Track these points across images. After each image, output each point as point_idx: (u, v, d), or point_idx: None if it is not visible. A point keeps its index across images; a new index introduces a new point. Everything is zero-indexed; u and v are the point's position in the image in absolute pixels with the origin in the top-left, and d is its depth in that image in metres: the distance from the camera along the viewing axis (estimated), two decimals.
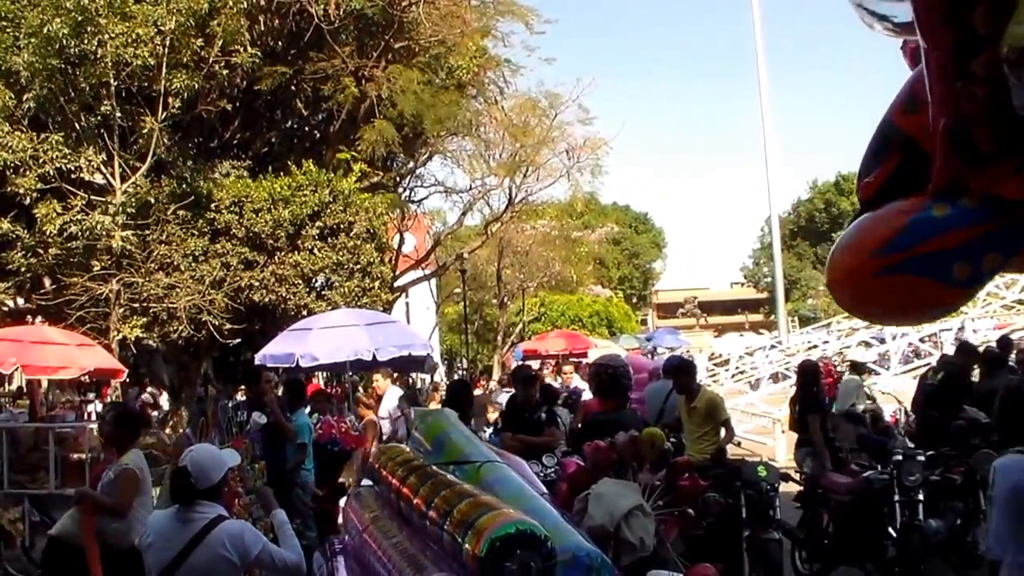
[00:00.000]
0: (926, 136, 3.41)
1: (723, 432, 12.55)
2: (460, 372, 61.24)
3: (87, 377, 24.22)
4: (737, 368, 42.29)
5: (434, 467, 6.09)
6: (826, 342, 41.83)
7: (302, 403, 14.84)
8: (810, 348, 41.46)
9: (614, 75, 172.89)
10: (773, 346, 44.78)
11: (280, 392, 16.85)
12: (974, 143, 3.22)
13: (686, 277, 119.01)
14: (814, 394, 14.94)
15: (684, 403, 12.80)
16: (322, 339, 19.53)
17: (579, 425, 12.66)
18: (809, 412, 14.53)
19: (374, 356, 18.94)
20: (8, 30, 24.53)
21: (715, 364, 45.17)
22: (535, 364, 33.89)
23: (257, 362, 19.52)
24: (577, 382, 23.43)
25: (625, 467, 6.57)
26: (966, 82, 3.12)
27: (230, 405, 15.90)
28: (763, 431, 26.93)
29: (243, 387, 21.12)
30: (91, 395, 32.88)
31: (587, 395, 16.39)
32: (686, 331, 76.88)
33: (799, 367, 17.19)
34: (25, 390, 28.66)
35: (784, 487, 11.87)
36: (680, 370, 13.29)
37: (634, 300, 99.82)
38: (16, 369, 20.45)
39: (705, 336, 75.51)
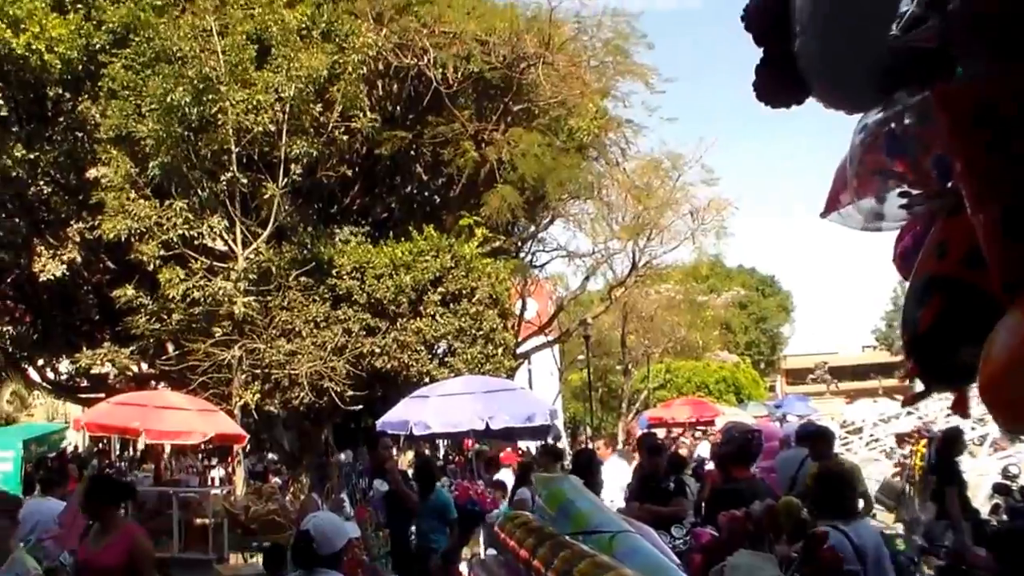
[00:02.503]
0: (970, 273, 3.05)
1: (860, 504, 11.96)
2: (584, 441, 60.80)
3: (210, 442, 24.22)
4: (871, 436, 41.17)
5: (566, 537, 5.71)
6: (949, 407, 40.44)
7: (432, 485, 14.40)
8: (949, 415, 40.14)
9: (737, 133, 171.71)
10: (910, 413, 43.56)
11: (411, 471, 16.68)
12: None
13: (815, 341, 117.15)
14: (953, 465, 14.25)
15: None
16: (438, 407, 19.34)
17: (707, 495, 12.19)
18: (947, 484, 13.84)
19: (487, 425, 18.61)
20: (131, 99, 24.90)
21: (848, 432, 44.08)
22: (661, 432, 33.28)
23: (378, 429, 19.33)
24: (703, 450, 22.91)
25: (761, 538, 6.14)
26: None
27: (353, 472, 15.76)
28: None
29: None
30: (214, 460, 33.04)
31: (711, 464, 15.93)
32: (816, 397, 75.30)
33: (939, 435, 16.45)
34: (149, 454, 28.78)
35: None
36: (817, 438, 12.73)
37: (762, 366, 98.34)
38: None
39: (836, 403, 73.87)
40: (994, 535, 11.87)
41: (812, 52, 3.16)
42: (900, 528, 18.85)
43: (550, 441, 30.29)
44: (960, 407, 3.38)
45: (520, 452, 28.78)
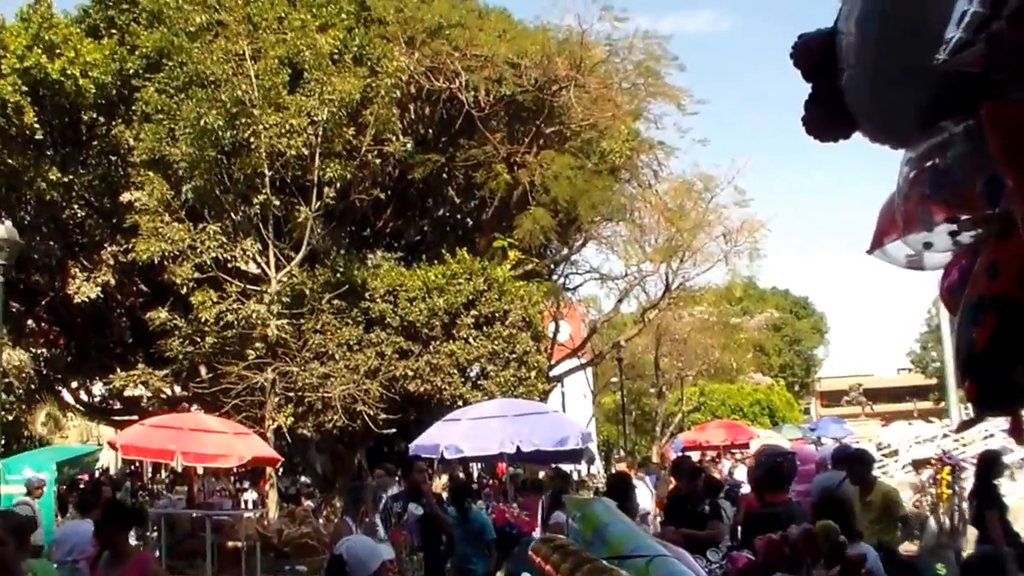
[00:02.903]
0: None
1: (900, 529, 11.83)
2: (617, 464, 60.54)
3: (243, 465, 24.25)
4: (908, 459, 40.84)
5: (603, 561, 5.64)
6: (1004, 430, 40.10)
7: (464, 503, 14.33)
8: (987, 437, 39.71)
9: (769, 155, 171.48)
10: (946, 435, 43.12)
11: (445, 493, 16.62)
12: None
13: (850, 364, 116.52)
14: (993, 488, 14.04)
15: (858, 495, 12.09)
16: (469, 430, 19.26)
17: (743, 518, 12.10)
18: (987, 508, 13.61)
19: (518, 448, 18.54)
20: (165, 123, 25.05)
21: (883, 455, 43.70)
22: (695, 455, 33.11)
23: (410, 452, 19.27)
24: (740, 474, 22.78)
25: (799, 562, 6.08)
26: None
27: (388, 495, 15.72)
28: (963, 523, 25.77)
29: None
30: (245, 483, 33.08)
31: (746, 487, 15.82)
32: (851, 420, 75.05)
33: (978, 458, 16.21)
34: (182, 477, 28.81)
35: None
36: (855, 460, 12.59)
37: (796, 388, 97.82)
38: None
39: (872, 425, 73.48)
40: None
41: (858, 87, 3.18)
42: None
43: (583, 465, 30.28)
44: (1016, 432, 3.35)
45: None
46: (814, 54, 3.39)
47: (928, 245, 3.49)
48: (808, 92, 3.48)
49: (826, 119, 3.45)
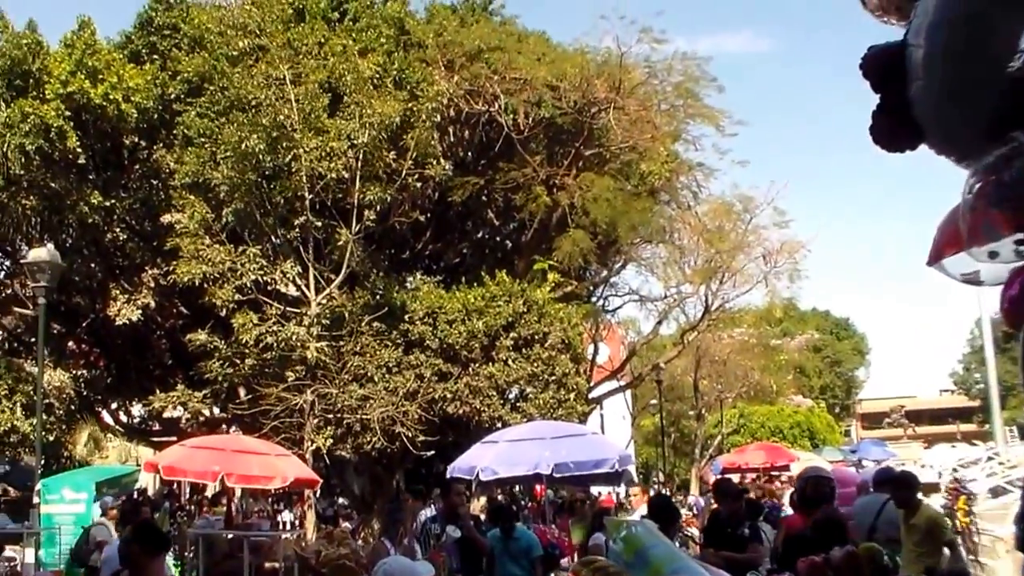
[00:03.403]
0: None
1: (946, 553, 11.70)
2: (656, 486, 60.40)
3: (284, 487, 24.31)
4: (950, 482, 40.48)
5: None
6: None
7: (513, 527, 14.30)
8: None
9: (809, 175, 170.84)
10: (990, 458, 42.69)
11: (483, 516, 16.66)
12: None
13: (891, 385, 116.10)
14: None
15: (903, 518, 12.00)
16: (505, 452, 19.17)
17: (783, 540, 12.04)
18: None
19: (553, 470, 18.47)
20: (207, 146, 25.21)
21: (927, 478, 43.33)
22: (735, 477, 32.97)
23: (448, 474, 19.26)
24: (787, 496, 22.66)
25: None
26: None
27: (426, 517, 15.75)
28: (983, 551, 25.50)
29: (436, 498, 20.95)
30: (280, 504, 33.17)
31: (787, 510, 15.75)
32: (893, 442, 74.34)
33: None
34: (220, 497, 28.90)
35: None
36: (901, 483, 12.49)
37: (837, 410, 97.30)
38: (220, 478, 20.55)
39: (914, 447, 72.81)
40: None
41: (927, 98, 3.19)
42: None
43: (621, 487, 30.16)
44: None
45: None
46: (883, 65, 3.41)
47: (994, 255, 3.48)
48: (876, 103, 3.49)
49: (893, 130, 3.47)
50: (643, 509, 16.58)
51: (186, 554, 22.25)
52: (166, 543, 8.06)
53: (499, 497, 29.41)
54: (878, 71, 3.45)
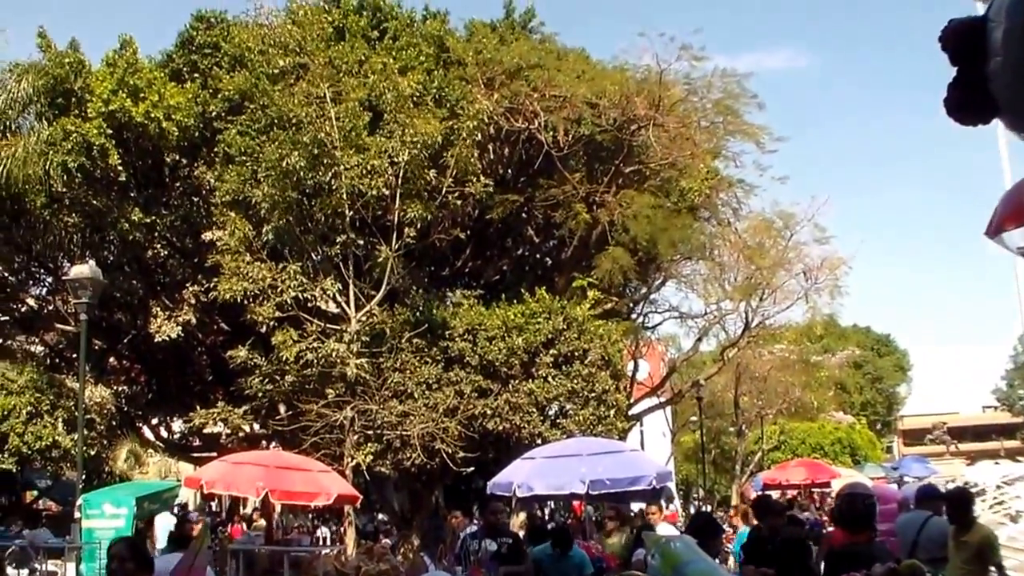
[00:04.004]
0: None
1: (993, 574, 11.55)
2: (696, 503, 60.14)
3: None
4: (995, 499, 40.14)
5: None
6: None
7: (570, 543, 14.27)
8: None
9: (850, 192, 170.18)
10: None
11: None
12: None
13: (933, 401, 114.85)
14: None
15: (954, 535, 11.85)
16: (542, 468, 19.15)
17: (824, 557, 11.94)
18: None
19: (589, 487, 18.40)
20: (248, 164, 25.35)
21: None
22: (775, 494, 32.80)
23: (488, 491, 19.25)
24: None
25: None
26: None
27: (466, 533, 15.79)
28: None
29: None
30: (316, 520, 33.22)
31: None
32: (935, 459, 73.92)
33: None
34: (259, 513, 28.97)
35: None
36: (956, 500, 12.32)
37: (878, 427, 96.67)
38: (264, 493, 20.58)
39: (956, 464, 72.25)
40: None
41: (1004, 74, 3.19)
42: None
43: (662, 503, 30.08)
44: None
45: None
46: (962, 39, 3.43)
47: None
48: (952, 76, 3.51)
49: (968, 103, 3.49)
50: (663, 527, 16.57)
51: (226, 569, 22.31)
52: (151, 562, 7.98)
53: (538, 513, 29.38)
54: (957, 45, 3.46)
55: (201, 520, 22.04)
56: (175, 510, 29.46)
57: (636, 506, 29.08)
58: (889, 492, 20.02)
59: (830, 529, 14.90)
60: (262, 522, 28.29)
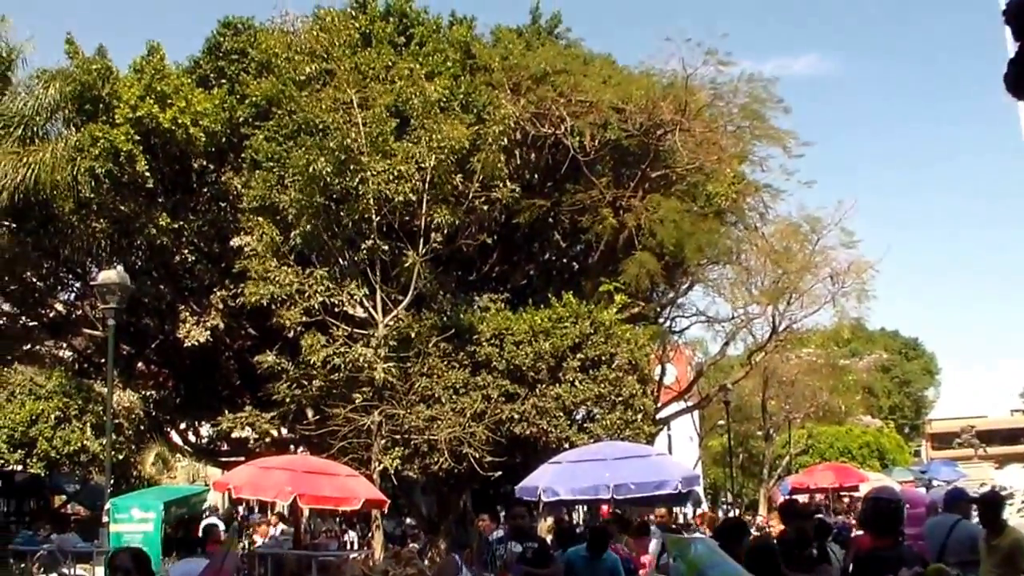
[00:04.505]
0: None
1: None
2: (724, 507, 60.03)
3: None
4: (1023, 502, 40.00)
5: None
6: None
7: (604, 547, 14.28)
8: None
9: (877, 196, 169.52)
10: None
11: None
12: None
13: (962, 405, 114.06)
14: None
15: (986, 539, 11.77)
16: (567, 473, 19.12)
17: (851, 562, 11.89)
18: None
19: (614, 491, 18.36)
20: (275, 169, 25.42)
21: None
22: (803, 498, 32.73)
23: (516, 495, 19.24)
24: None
25: None
26: None
27: (494, 537, 15.82)
28: None
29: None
30: (345, 524, 33.29)
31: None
32: (963, 462, 73.28)
33: None
34: (288, 518, 29.02)
35: None
36: (988, 503, 12.24)
37: (906, 430, 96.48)
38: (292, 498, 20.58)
39: (985, 468, 71.98)
40: None
41: None
42: None
43: (688, 508, 29.99)
44: None
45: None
46: None
47: None
48: (1014, 52, 3.50)
49: None
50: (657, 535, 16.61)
51: (255, 573, 22.37)
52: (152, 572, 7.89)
53: (565, 518, 29.36)
54: (1019, 21, 3.44)
55: (240, 518, 22.16)
56: (206, 514, 29.61)
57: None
58: (917, 496, 19.86)
59: (857, 533, 14.79)
60: (281, 525, 28.32)
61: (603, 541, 14.22)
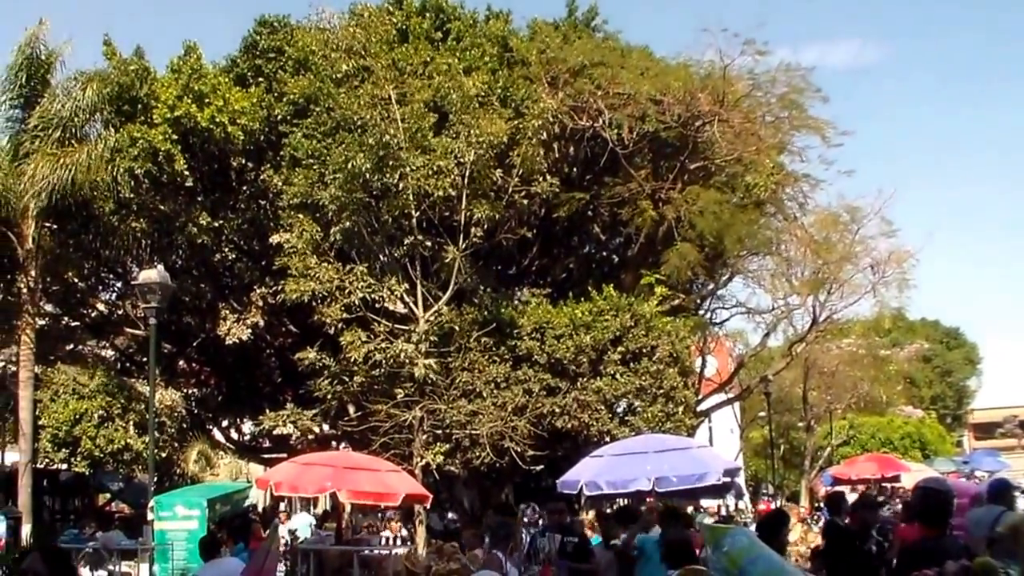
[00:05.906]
0: None
1: None
2: (766, 498, 59.76)
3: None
4: None
5: None
6: None
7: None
8: None
9: (916, 184, 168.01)
10: None
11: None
12: None
13: (1004, 394, 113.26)
14: None
15: None
16: (609, 466, 19.03)
17: (896, 554, 11.76)
18: None
19: (655, 484, 18.29)
20: (315, 167, 25.44)
21: None
22: (845, 489, 32.50)
23: (558, 489, 19.20)
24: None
25: None
26: None
27: (535, 531, 15.80)
28: None
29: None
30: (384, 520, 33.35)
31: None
32: (1006, 452, 72.82)
33: None
34: (330, 513, 29.10)
35: None
36: None
37: (948, 420, 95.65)
38: (333, 493, 20.62)
39: None
40: None
41: None
42: None
43: (729, 500, 29.87)
44: None
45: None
46: None
47: None
48: None
49: None
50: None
51: (297, 568, 22.44)
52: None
53: (607, 511, 29.29)
54: None
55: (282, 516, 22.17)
56: (247, 511, 29.72)
57: (705, 502, 28.98)
58: (961, 486, 19.66)
59: (900, 524, 14.63)
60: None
61: (679, 523, 14.16)
